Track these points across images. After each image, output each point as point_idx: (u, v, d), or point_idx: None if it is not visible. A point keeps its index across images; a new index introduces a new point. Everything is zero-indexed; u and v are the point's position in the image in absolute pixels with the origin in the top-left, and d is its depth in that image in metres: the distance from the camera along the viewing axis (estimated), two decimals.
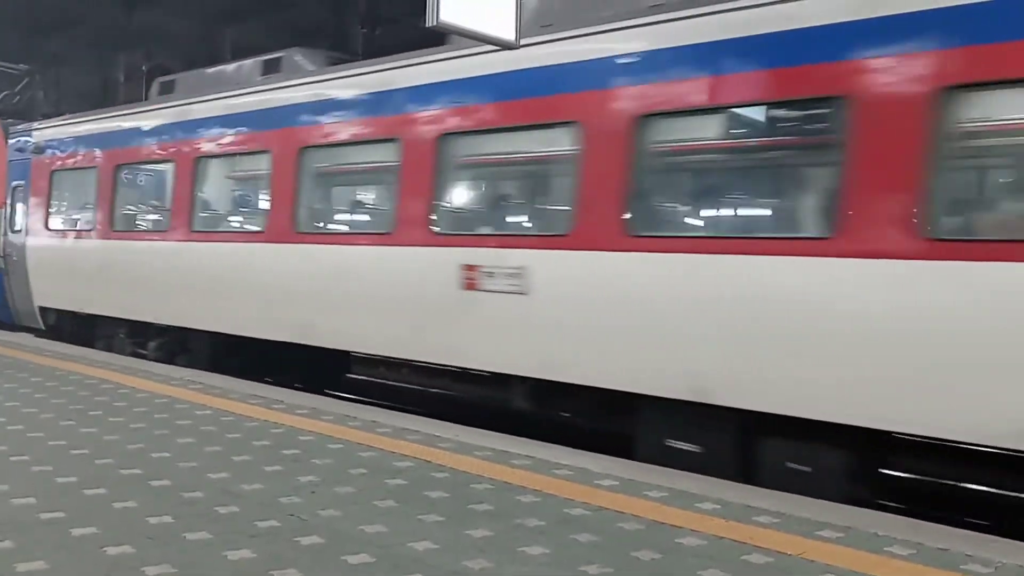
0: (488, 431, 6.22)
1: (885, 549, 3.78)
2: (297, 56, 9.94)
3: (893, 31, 5.09)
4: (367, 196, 9.26)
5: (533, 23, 6.70)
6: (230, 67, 11.02)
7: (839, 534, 3.97)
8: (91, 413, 6.15)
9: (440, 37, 7.40)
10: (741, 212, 6.43)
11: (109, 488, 4.28)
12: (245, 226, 9.96)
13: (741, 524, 4.08)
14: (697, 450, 5.96)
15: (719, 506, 4.38)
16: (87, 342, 11.43)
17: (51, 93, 23.05)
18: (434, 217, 7.31)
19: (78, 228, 12.09)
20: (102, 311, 11.31)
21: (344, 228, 9.20)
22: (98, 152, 11.68)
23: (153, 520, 3.80)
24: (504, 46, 5.41)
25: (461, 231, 7.50)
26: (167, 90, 11.53)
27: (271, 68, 9.99)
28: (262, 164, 9.17)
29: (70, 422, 5.82)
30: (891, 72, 5.10)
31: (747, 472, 5.68)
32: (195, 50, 20.81)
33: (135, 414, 6.18)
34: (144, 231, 11.11)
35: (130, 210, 11.45)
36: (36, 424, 5.73)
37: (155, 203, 11.23)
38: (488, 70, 7.05)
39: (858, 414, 5.12)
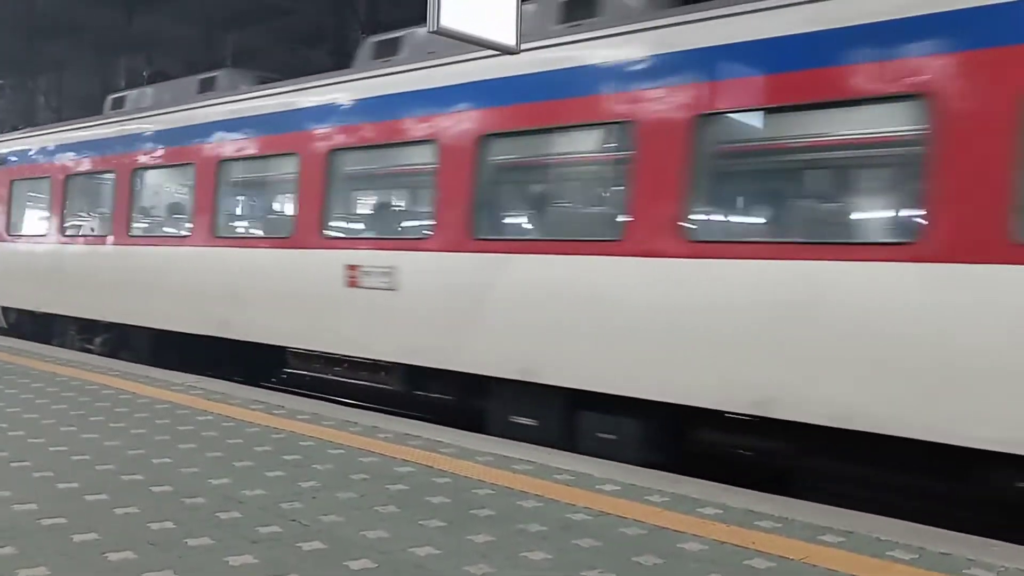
0: (489, 436, 6.22)
1: (887, 553, 3.78)
2: (229, 76, 11.19)
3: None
4: (273, 204, 10.16)
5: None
6: (171, 84, 12.13)
7: (841, 539, 3.97)
8: (92, 419, 6.15)
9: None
10: (552, 219, 7.42)
11: (110, 494, 4.27)
12: (176, 231, 10.66)
13: (743, 529, 4.08)
14: (533, 423, 6.87)
15: (721, 511, 4.38)
16: (45, 339, 12.34)
17: (52, 98, 23.11)
18: (325, 223, 8.38)
19: (33, 233, 13.00)
20: (56, 310, 12.14)
21: (255, 232, 10.13)
22: (50, 163, 12.76)
23: (155, 526, 3.80)
24: (505, 51, 5.42)
25: (345, 236, 8.61)
26: (118, 105, 12.63)
27: (207, 87, 11.06)
28: (188, 175, 10.16)
29: (71, 428, 5.82)
30: (661, 101, 6.05)
31: (571, 442, 6.54)
32: (196, 55, 20.88)
33: (136, 420, 6.18)
34: (87, 236, 12.00)
35: (78, 216, 12.37)
36: (37, 430, 5.72)
37: (98, 210, 12.11)
38: (367, 94, 8.23)
39: (644, 389, 6.03)
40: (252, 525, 3.86)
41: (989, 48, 4.84)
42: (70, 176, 12.26)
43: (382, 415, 6.85)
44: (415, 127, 7.72)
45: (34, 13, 19.22)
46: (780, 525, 4.16)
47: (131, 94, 12.67)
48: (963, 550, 3.85)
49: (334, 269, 8.05)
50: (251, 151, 9.41)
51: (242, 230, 10.39)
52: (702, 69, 5.90)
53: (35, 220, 13.20)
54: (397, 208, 9.30)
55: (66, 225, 12.23)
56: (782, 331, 5.40)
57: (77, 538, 3.60)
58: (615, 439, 6.36)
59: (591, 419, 6.54)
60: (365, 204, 9.44)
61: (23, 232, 13.34)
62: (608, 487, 4.79)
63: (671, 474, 5.26)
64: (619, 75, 6.30)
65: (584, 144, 7.12)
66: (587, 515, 4.23)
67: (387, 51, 8.91)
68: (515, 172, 7.75)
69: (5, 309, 13.81)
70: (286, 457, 5.20)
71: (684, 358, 5.84)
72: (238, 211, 10.53)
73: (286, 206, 9.50)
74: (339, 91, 8.50)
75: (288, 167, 8.94)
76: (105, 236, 11.35)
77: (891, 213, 5.77)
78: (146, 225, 11.07)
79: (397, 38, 8.97)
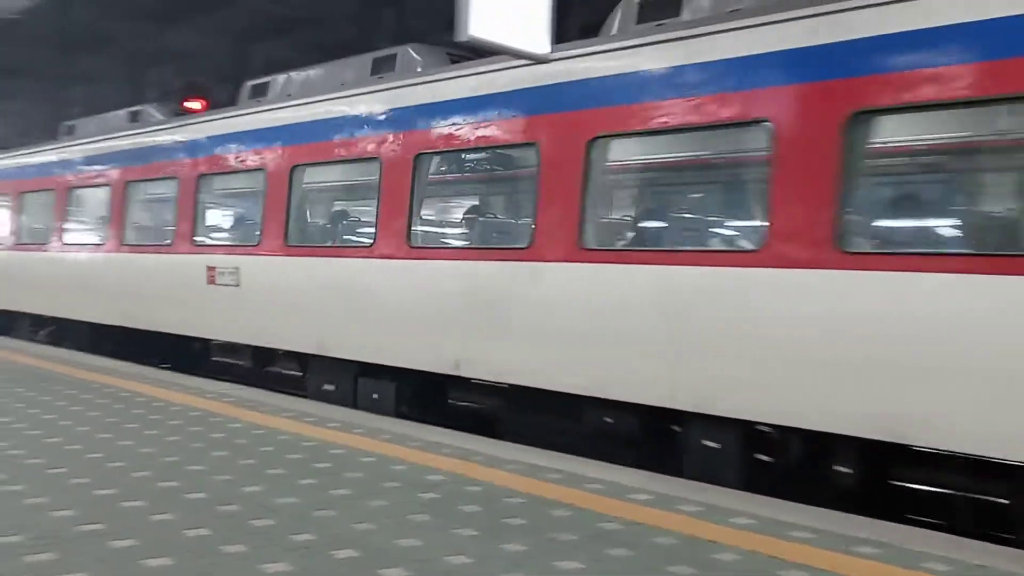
0: (519, 445, 6.23)
1: (922, 565, 3.74)
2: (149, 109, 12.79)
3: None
4: (162, 217, 11.92)
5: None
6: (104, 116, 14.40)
7: (875, 550, 3.93)
8: (127, 426, 6.23)
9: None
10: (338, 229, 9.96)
11: (147, 500, 4.33)
12: (91, 239, 12.88)
13: (776, 539, 4.05)
14: (333, 389, 8.69)
15: (754, 521, 4.35)
16: (7, 332, 14.92)
17: (85, 110, 23.44)
18: (195, 233, 10.56)
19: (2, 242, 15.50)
20: (19, 307, 14.68)
21: (145, 242, 11.85)
22: (9, 183, 15.44)
23: (190, 533, 3.84)
24: (537, 60, 5.44)
25: (207, 243, 10.67)
26: (69, 131, 14.91)
27: (135, 117, 13.12)
28: (101, 194, 12.50)
29: (107, 435, 5.89)
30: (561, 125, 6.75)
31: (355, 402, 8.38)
32: (224, 67, 21.09)
33: (170, 427, 6.25)
34: (32, 244, 14.40)
35: (32, 227, 14.77)
36: (73, 437, 5.80)
37: (39, 223, 14.49)
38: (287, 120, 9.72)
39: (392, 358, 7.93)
40: (286, 533, 3.89)
41: (817, 82, 5.40)
42: (20, 193, 15.18)
43: (412, 423, 6.87)
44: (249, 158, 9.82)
45: (68, 26, 19.49)
46: (814, 536, 4.13)
47: (80, 122, 14.97)
48: (1000, 562, 3.81)
49: (200, 270, 10.31)
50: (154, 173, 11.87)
51: (137, 239, 12.22)
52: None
53: (3, 231, 15.60)
54: (244, 222, 11.01)
55: (21, 234, 15.12)
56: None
57: (115, 544, 3.65)
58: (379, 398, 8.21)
59: (367, 384, 8.38)
60: (222, 219, 11.70)
61: None
62: (640, 496, 4.77)
63: (703, 484, 5.25)
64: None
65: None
66: (619, 524, 4.22)
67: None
68: None
69: None
70: (317, 465, 5.24)
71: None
72: (138, 223, 12.52)
73: (169, 220, 11.44)
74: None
75: (168, 189, 11.31)
76: (43, 244, 13.97)
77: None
78: (77, 233, 13.40)
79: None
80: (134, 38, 20.75)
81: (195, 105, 16.43)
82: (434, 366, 7.54)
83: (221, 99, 17.81)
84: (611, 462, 5.80)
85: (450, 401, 8.47)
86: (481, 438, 6.37)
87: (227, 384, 8.68)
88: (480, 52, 6.65)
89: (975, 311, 4.71)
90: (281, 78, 10.80)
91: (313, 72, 10.55)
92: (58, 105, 25.12)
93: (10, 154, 15.79)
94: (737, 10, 6.10)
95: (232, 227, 11.30)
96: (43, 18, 18.38)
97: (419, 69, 8.80)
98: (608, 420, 6.57)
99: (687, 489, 5.00)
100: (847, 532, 4.20)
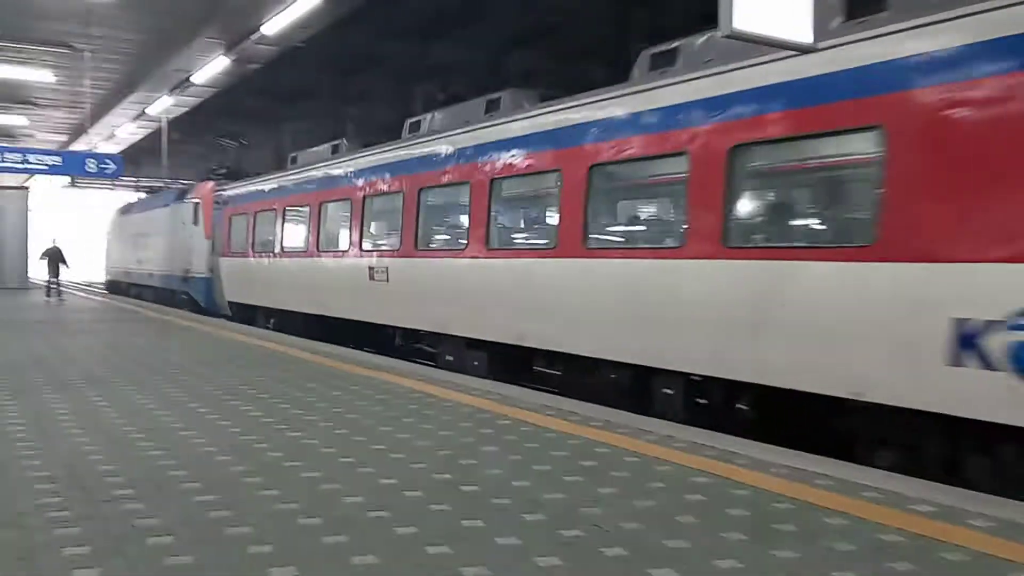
0: (785, 449, 6.01)
1: None
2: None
3: None
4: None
5: None
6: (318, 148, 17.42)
7: None
8: (404, 420, 6.65)
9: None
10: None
11: (425, 491, 4.60)
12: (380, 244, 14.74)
13: None
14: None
15: None
16: (251, 321, 18.65)
17: (359, 128, 25.30)
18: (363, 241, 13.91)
19: (244, 251, 19.25)
20: (255, 302, 18.80)
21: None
22: (248, 204, 19.21)
23: (466, 523, 4.04)
24: (803, 50, 5.24)
25: (371, 250, 13.69)
26: (294, 161, 18.33)
27: (335, 150, 16.50)
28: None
29: (387, 428, 6.33)
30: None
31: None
32: (484, 78, 22.01)
33: (441, 422, 6.61)
34: (258, 252, 18.65)
35: (259, 239, 18.58)
36: (359, 429, 6.28)
37: (269, 235, 17.91)
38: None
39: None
40: (555, 528, 3.99)
41: (715, 123, 7.61)
42: (257, 213, 18.92)
43: (675, 425, 6.83)
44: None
45: (344, 51, 21.18)
46: None
47: (303, 153, 17.92)
48: None
49: (364, 270, 13.72)
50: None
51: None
52: None
53: (244, 243, 19.54)
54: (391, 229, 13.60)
55: (255, 245, 18.94)
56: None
57: (399, 531, 3.91)
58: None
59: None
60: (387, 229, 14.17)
61: (237, 251, 19.98)
62: (922, 508, 4.46)
63: (995, 497, 4.81)
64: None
65: None
66: (900, 537, 3.96)
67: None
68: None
69: (229, 303, 21.04)
70: (583, 463, 5.33)
71: None
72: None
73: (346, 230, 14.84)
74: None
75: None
76: (275, 251, 17.61)
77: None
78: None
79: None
80: (402, 56, 22.15)
81: None
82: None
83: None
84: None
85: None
86: (746, 441, 6.21)
87: (491, 382, 9.04)
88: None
89: (809, 286, 6.77)
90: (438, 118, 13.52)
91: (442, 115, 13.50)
92: (337, 123, 27.31)
93: (245, 183, 20.51)
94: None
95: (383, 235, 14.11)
96: (323, 44, 20.05)
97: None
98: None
99: (976, 502, 4.61)
100: None
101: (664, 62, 8.80)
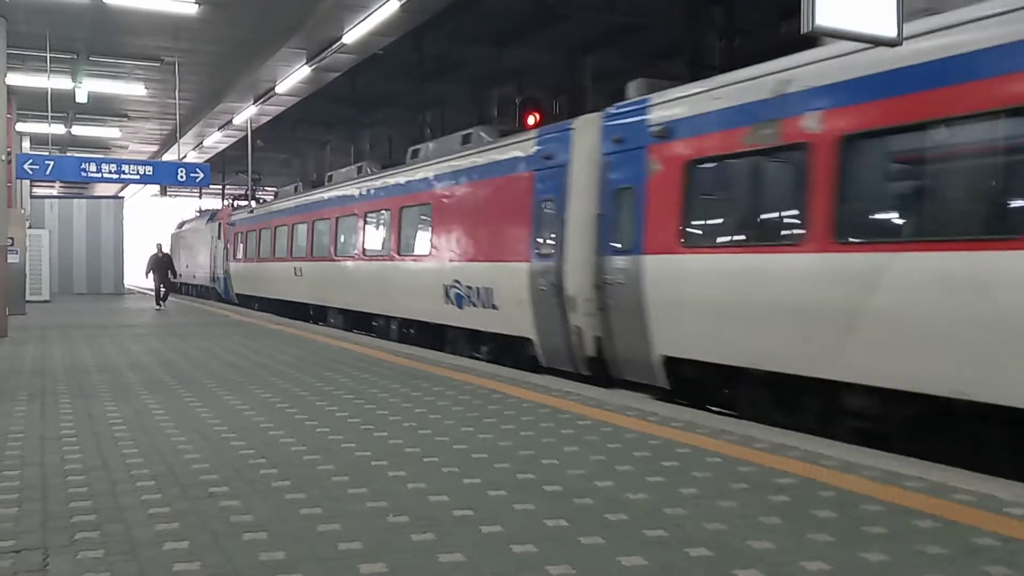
0: (873, 450, 5.89)
1: None
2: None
3: None
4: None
5: None
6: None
7: None
8: (485, 420, 6.73)
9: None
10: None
11: (509, 491, 4.66)
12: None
13: None
14: None
15: None
16: (248, 306, 24.75)
17: (437, 131, 25.57)
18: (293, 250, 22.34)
19: (243, 258, 27.65)
20: (250, 293, 26.71)
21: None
22: (245, 225, 26.57)
23: (550, 523, 4.08)
24: (887, 44, 5.14)
25: (301, 257, 21.68)
26: (276, 195, 22.36)
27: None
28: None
29: (469, 428, 6.42)
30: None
31: None
32: (558, 80, 22.03)
33: (524, 422, 6.66)
34: (249, 259, 26.77)
35: (251, 250, 25.60)
36: (441, 429, 6.38)
37: (257, 247, 25.88)
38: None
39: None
40: (639, 528, 4.00)
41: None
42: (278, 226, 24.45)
43: (757, 425, 6.75)
44: None
45: (421, 57, 21.44)
46: None
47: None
48: None
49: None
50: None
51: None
52: None
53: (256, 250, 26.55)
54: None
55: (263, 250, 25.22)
56: None
57: (485, 529, 3.97)
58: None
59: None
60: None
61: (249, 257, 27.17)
62: (1017, 511, 4.33)
63: None
64: None
65: None
66: (994, 540, 3.86)
67: None
68: None
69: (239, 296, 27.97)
70: (664, 463, 5.32)
71: None
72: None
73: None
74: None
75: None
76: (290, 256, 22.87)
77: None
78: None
79: None
80: (477, 61, 22.32)
81: (531, 120, 17.34)
82: None
83: (554, 112, 18.66)
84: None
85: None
86: (831, 442, 6.11)
87: (571, 383, 9.06)
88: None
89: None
90: None
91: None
92: (414, 128, 27.67)
93: (243, 210, 27.15)
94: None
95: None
96: (401, 52, 20.34)
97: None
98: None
99: None
100: None
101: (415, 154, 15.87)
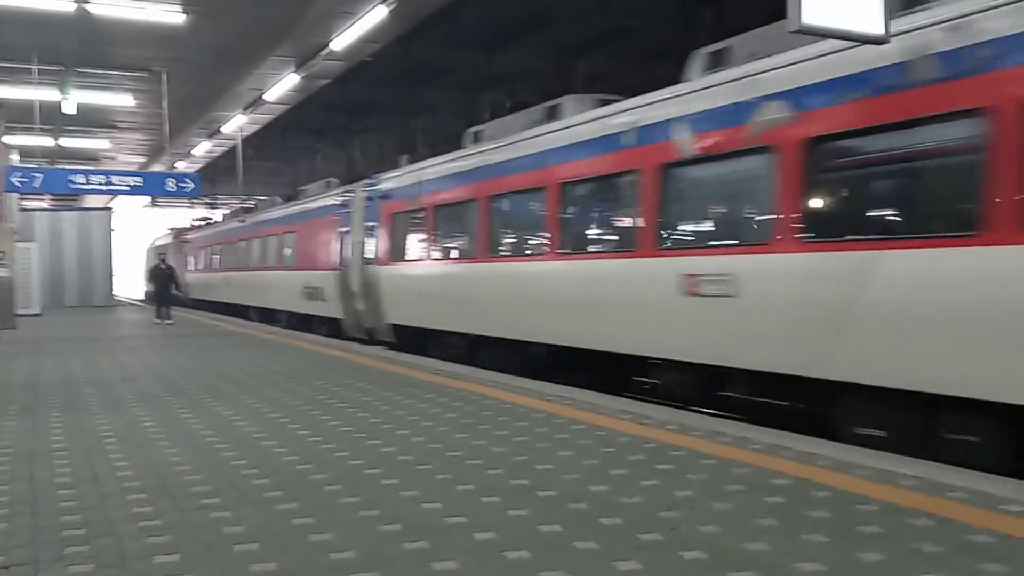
0: (867, 449, 5.89)
1: None
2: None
3: None
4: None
5: None
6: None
7: None
8: (479, 427, 6.70)
9: None
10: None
11: (502, 497, 4.63)
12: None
13: None
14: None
15: None
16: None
17: (429, 137, 25.58)
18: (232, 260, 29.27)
19: (198, 270, 32.55)
20: (206, 298, 32.09)
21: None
22: (194, 245, 31.86)
23: (544, 528, 4.05)
24: (874, 42, 5.14)
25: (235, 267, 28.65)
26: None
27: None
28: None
29: (462, 435, 6.39)
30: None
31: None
32: (551, 84, 22.06)
33: (517, 428, 6.64)
34: (200, 270, 33.48)
35: (200, 264, 31.51)
36: (435, 436, 6.35)
37: (204, 262, 32.39)
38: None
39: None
40: (634, 532, 3.98)
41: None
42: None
43: (751, 426, 6.74)
44: None
45: (411, 63, 21.44)
46: None
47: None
48: None
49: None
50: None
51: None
52: None
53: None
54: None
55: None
56: None
57: (478, 536, 3.94)
58: None
59: None
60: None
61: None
62: (1012, 507, 4.33)
63: None
64: None
65: None
66: (990, 538, 3.85)
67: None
68: None
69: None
70: (659, 467, 5.30)
71: None
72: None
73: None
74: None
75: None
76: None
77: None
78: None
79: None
80: (467, 66, 22.33)
81: None
82: None
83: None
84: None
85: None
86: (825, 441, 6.10)
87: (565, 387, 9.04)
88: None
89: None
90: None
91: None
92: (405, 134, 27.66)
93: (191, 233, 34.82)
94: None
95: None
96: (390, 58, 20.33)
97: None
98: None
99: None
100: None
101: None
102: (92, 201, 44.80)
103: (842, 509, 4.33)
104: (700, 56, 9.32)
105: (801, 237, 7.11)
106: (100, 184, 19.19)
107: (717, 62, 9.04)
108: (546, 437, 6.27)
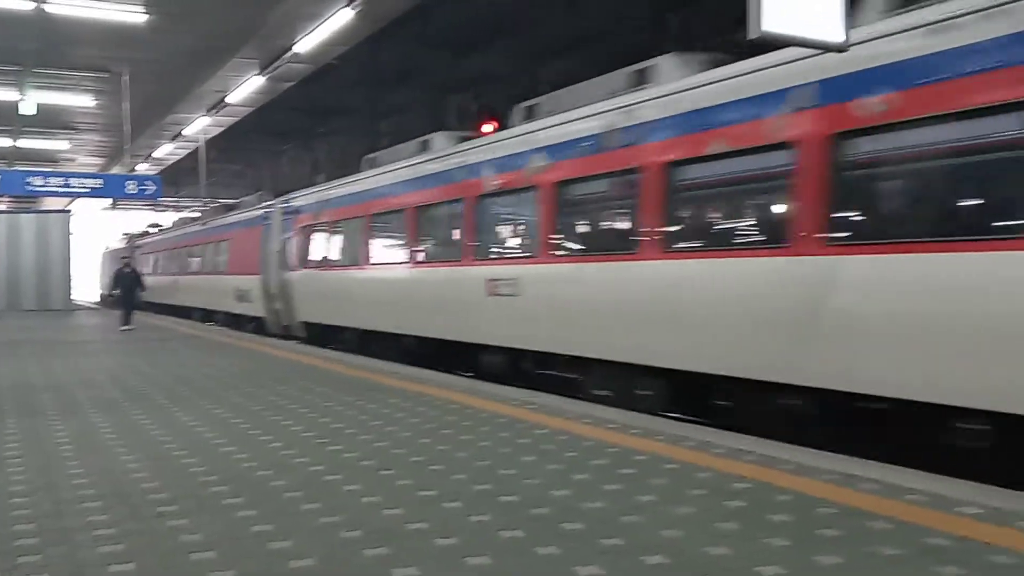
0: (829, 453, 5.94)
1: None
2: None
3: None
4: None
5: None
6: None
7: None
8: (442, 432, 6.67)
9: None
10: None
11: (465, 502, 4.60)
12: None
13: None
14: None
15: None
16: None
17: (395, 139, 25.49)
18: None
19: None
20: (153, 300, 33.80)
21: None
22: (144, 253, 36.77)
23: (506, 534, 4.03)
24: (834, 50, 5.19)
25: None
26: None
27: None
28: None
29: (425, 440, 6.35)
30: None
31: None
32: (519, 87, 22.07)
33: (481, 433, 6.61)
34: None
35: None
36: (397, 441, 6.31)
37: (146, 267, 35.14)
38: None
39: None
40: (596, 537, 3.98)
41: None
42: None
43: (714, 430, 6.78)
44: None
45: (377, 66, 21.38)
46: None
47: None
48: None
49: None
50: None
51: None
52: None
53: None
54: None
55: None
56: None
57: (439, 542, 3.91)
58: None
59: None
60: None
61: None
62: (969, 509, 4.38)
63: None
64: None
65: None
66: (947, 540, 3.89)
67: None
68: None
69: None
70: (622, 471, 5.31)
71: None
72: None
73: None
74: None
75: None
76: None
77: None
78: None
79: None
80: (435, 70, 22.28)
81: (489, 128, 17.33)
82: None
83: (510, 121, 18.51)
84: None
85: None
86: (788, 446, 6.15)
87: (528, 392, 9.04)
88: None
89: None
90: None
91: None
92: (372, 137, 27.54)
93: (127, 244, 37.68)
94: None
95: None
96: (356, 60, 20.24)
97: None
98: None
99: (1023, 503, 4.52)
100: None
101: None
102: (51, 203, 44.11)
103: (803, 512, 4.36)
104: (518, 109, 11.92)
105: (554, 253, 10.02)
106: (59, 186, 18.92)
107: (529, 115, 11.62)
108: (509, 442, 6.25)
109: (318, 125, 29.10)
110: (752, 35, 4.62)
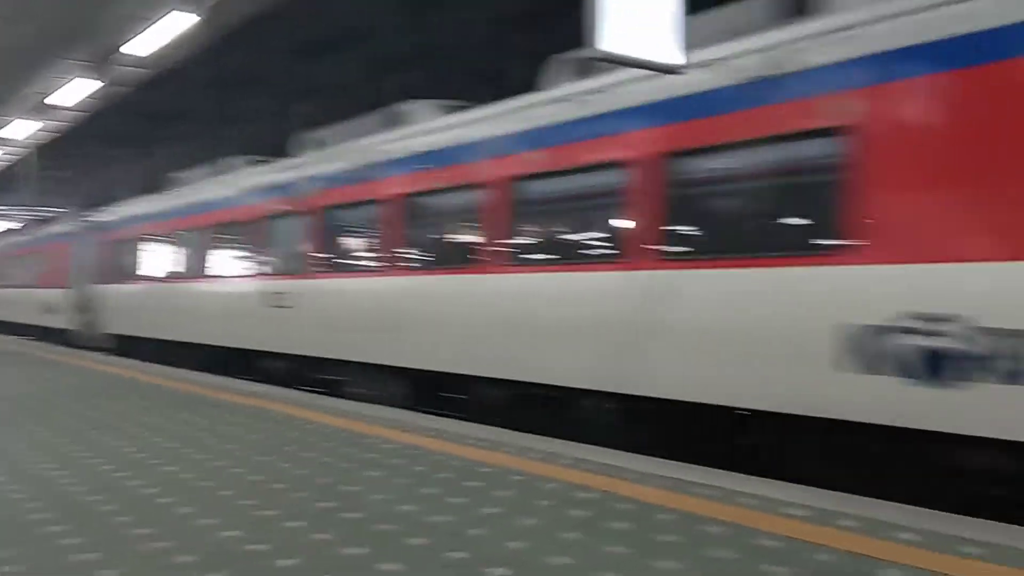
0: (670, 461, 6.13)
1: None
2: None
3: None
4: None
5: None
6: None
7: None
8: (285, 448, 6.49)
9: None
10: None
11: (308, 521, 4.49)
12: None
13: (946, 556, 3.83)
14: None
15: (920, 537, 4.13)
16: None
17: (243, 146, 24.74)
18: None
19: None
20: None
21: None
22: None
23: (349, 551, 3.95)
24: (669, 71, 5.38)
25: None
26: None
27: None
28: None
29: (267, 457, 6.16)
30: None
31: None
32: (363, 98, 21.88)
33: (324, 448, 6.48)
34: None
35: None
36: (236, 460, 6.09)
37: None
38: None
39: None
40: (441, 551, 3.95)
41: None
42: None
43: (560, 441, 6.88)
44: None
45: (221, 71, 20.73)
46: (986, 551, 3.88)
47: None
48: None
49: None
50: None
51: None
52: None
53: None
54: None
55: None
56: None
57: (280, 563, 3.79)
58: None
59: None
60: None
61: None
62: (796, 511, 4.61)
63: (864, 498, 5.02)
64: None
65: None
66: (776, 541, 4.08)
67: None
68: None
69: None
70: (468, 484, 5.31)
71: None
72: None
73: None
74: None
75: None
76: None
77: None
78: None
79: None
80: (283, 77, 21.81)
81: None
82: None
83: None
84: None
85: None
86: (628, 454, 6.31)
87: (376, 407, 8.93)
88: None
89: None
90: None
91: None
92: (217, 144, 26.65)
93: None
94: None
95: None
96: (199, 65, 19.55)
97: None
98: None
99: (846, 503, 4.80)
100: (1016, 544, 3.94)
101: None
102: None
103: (643, 520, 4.47)
104: (308, 139, 13.11)
105: (318, 270, 11.42)
106: None
107: (319, 145, 12.68)
108: (354, 457, 6.15)
109: (158, 130, 27.91)
110: (590, 55, 4.74)
